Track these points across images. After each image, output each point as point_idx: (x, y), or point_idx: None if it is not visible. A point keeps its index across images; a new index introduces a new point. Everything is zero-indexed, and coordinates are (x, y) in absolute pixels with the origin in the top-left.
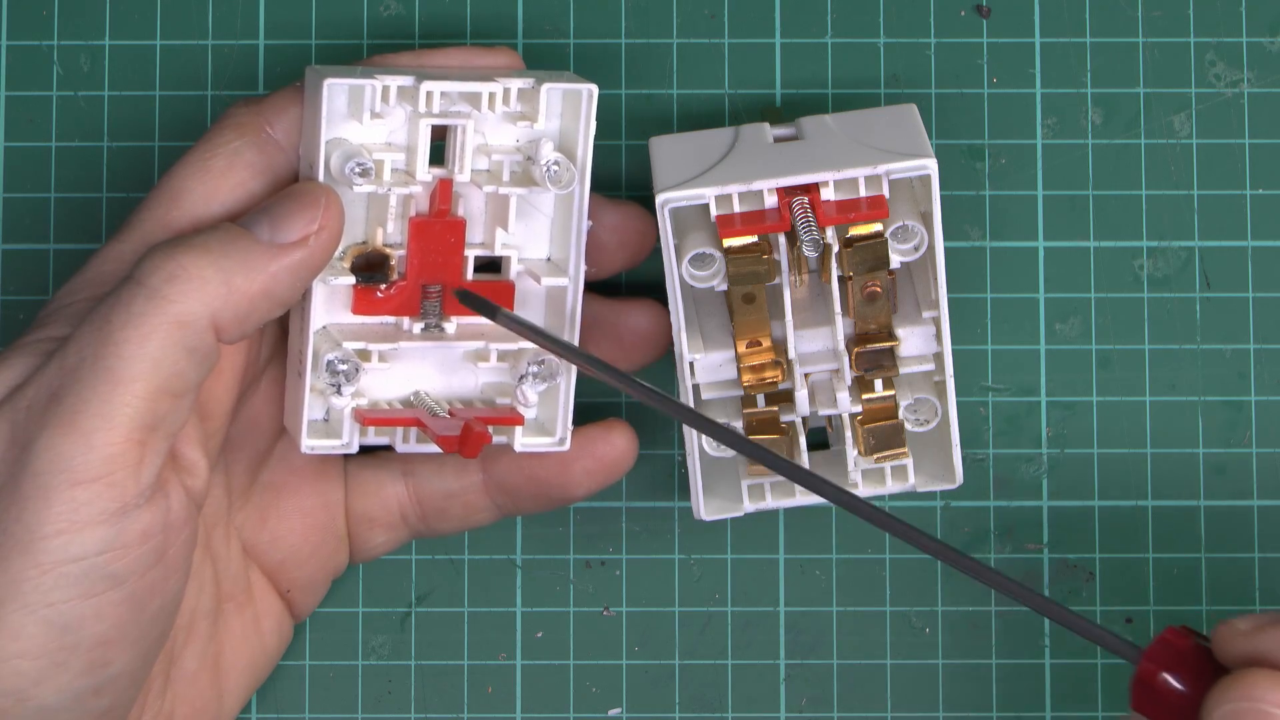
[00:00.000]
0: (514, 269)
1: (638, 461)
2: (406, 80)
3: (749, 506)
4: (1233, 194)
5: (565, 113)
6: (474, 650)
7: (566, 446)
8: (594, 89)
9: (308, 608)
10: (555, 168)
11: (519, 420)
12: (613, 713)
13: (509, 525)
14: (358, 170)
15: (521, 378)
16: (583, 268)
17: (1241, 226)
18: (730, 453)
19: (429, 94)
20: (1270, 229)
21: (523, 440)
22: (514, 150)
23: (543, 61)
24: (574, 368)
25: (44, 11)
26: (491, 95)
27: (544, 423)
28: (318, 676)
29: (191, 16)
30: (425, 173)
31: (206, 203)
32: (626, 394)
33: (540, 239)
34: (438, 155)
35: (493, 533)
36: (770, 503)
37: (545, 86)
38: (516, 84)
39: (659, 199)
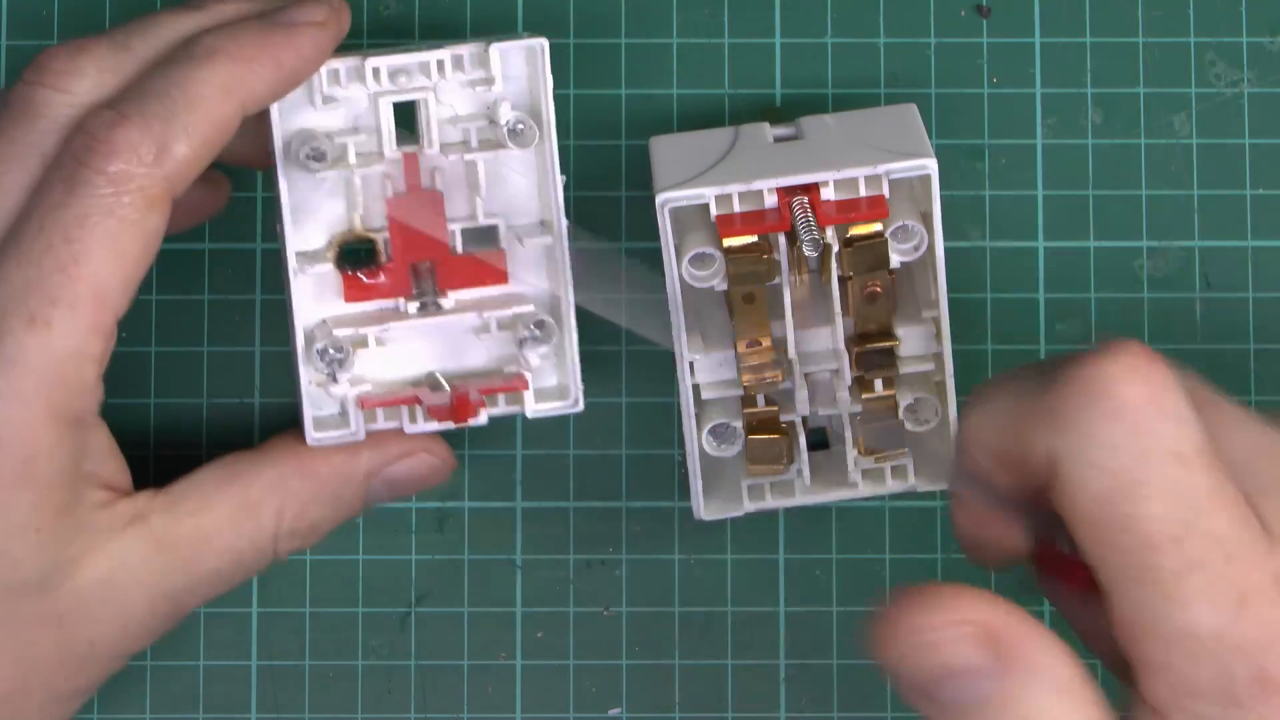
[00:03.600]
0: (502, 235)
1: (638, 461)
2: (353, 60)
3: (749, 506)
4: (1233, 194)
5: (523, 72)
6: (474, 650)
7: (580, 408)
8: (544, 43)
9: None
10: (519, 126)
11: (524, 385)
12: (613, 713)
13: (509, 525)
14: (311, 155)
15: (522, 342)
16: (565, 223)
17: (1241, 226)
18: (730, 453)
19: (375, 70)
20: (1270, 229)
21: (535, 406)
22: (478, 116)
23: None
24: (574, 328)
25: (44, 12)
26: (440, 63)
27: (556, 388)
28: (318, 676)
29: None
30: (394, 150)
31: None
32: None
33: (530, 202)
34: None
35: (493, 533)
36: (770, 503)
37: (494, 47)
38: (466, 49)
39: (659, 199)
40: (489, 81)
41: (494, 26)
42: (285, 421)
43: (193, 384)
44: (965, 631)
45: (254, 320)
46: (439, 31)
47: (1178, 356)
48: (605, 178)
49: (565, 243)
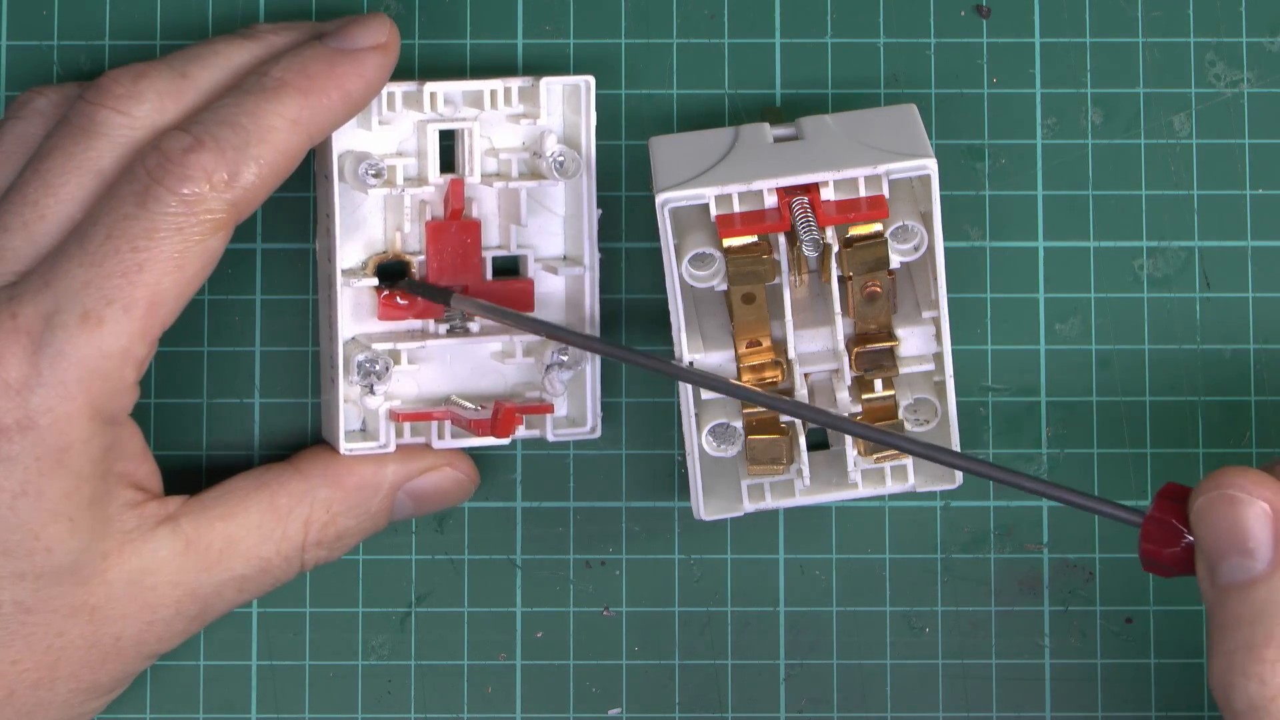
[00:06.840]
0: (531, 266)
1: (638, 461)
2: (410, 86)
3: (749, 506)
4: (1233, 194)
5: (565, 107)
6: (474, 650)
7: (598, 434)
8: (591, 80)
9: None
10: (561, 159)
11: (549, 409)
12: (613, 713)
13: (509, 525)
14: (371, 172)
15: (548, 368)
16: (597, 256)
17: (1241, 226)
18: (730, 453)
19: (433, 95)
20: (1270, 229)
21: (555, 432)
22: (520, 149)
23: (543, 62)
24: (598, 356)
25: (44, 11)
26: (493, 93)
27: (575, 414)
28: (318, 676)
29: (191, 17)
30: (437, 176)
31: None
32: (627, 364)
33: (554, 237)
34: (448, 166)
35: (493, 533)
36: (770, 503)
37: (544, 81)
38: (516, 83)
39: (659, 199)
40: (532, 115)
41: (495, 27)
42: (285, 421)
43: (193, 384)
44: (1261, 510)
45: (254, 320)
46: (439, 32)
47: (1177, 357)
48: (606, 177)
49: (594, 273)
